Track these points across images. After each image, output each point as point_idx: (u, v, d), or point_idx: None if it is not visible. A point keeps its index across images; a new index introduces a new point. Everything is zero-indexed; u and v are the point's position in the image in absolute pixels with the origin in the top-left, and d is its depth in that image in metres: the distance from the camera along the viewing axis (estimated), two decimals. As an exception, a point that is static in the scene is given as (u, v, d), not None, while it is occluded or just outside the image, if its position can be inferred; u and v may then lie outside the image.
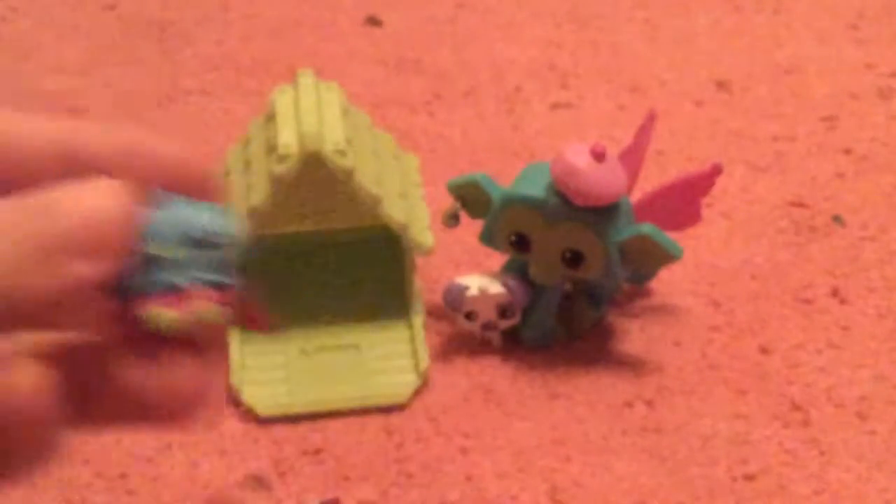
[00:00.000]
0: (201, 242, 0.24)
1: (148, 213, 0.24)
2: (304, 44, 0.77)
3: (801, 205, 0.62)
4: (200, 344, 0.24)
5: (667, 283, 0.57)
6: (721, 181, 0.54)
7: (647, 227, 0.50)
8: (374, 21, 0.79)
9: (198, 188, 0.25)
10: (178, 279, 0.23)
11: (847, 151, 0.66)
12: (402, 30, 0.78)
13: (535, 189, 0.51)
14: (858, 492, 0.48)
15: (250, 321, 0.25)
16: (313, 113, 0.52)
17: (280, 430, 0.51)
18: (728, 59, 0.74)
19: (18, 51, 0.77)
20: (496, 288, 0.53)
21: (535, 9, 0.80)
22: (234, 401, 0.52)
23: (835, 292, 0.57)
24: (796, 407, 0.51)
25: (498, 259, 0.56)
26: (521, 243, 0.52)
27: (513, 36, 0.77)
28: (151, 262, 0.23)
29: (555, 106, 0.70)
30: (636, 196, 0.54)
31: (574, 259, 0.52)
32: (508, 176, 0.53)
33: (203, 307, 0.23)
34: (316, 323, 0.56)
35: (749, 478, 0.48)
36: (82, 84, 0.73)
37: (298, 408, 0.52)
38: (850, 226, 0.61)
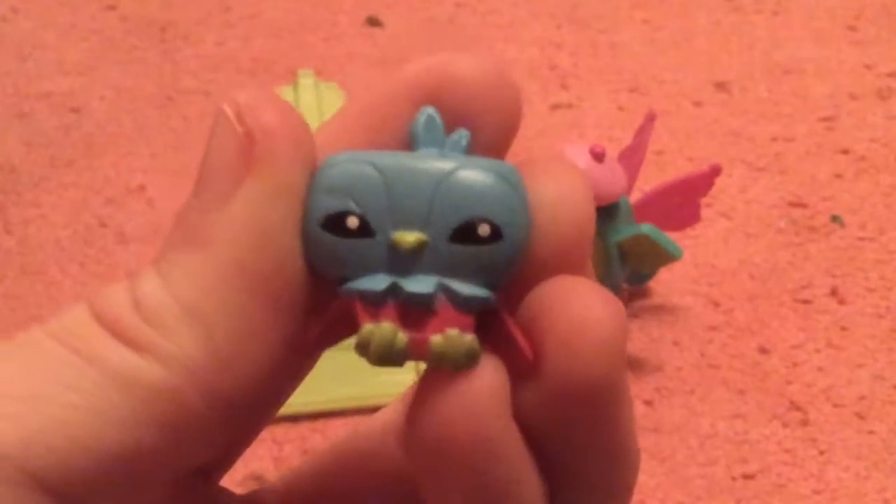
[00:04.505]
0: (468, 229, 0.16)
1: (379, 160, 0.16)
2: (305, 44, 0.77)
3: (799, 205, 0.63)
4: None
5: (666, 283, 0.58)
6: (720, 181, 0.54)
7: (646, 227, 0.50)
8: (374, 21, 0.79)
9: (490, 126, 0.17)
10: (420, 286, 0.16)
11: (846, 152, 0.66)
12: (402, 30, 0.78)
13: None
14: (857, 491, 0.48)
15: (512, 356, 0.16)
16: (313, 113, 0.52)
17: (280, 430, 0.51)
18: (727, 60, 0.74)
19: (19, 51, 0.77)
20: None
21: (535, 9, 0.80)
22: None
23: (833, 292, 0.57)
24: (795, 406, 0.52)
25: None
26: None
27: (513, 36, 0.77)
28: (381, 249, 0.16)
29: (555, 106, 0.71)
30: (636, 196, 0.54)
31: (573, 259, 0.52)
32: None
33: (451, 337, 0.16)
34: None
35: (748, 477, 0.49)
36: (82, 84, 0.74)
37: (298, 408, 0.52)
38: (849, 226, 0.61)
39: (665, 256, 0.51)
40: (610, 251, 0.51)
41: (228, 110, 0.17)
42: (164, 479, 0.17)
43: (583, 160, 0.49)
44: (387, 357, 0.16)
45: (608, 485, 0.18)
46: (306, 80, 0.54)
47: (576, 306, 0.16)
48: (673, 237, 0.51)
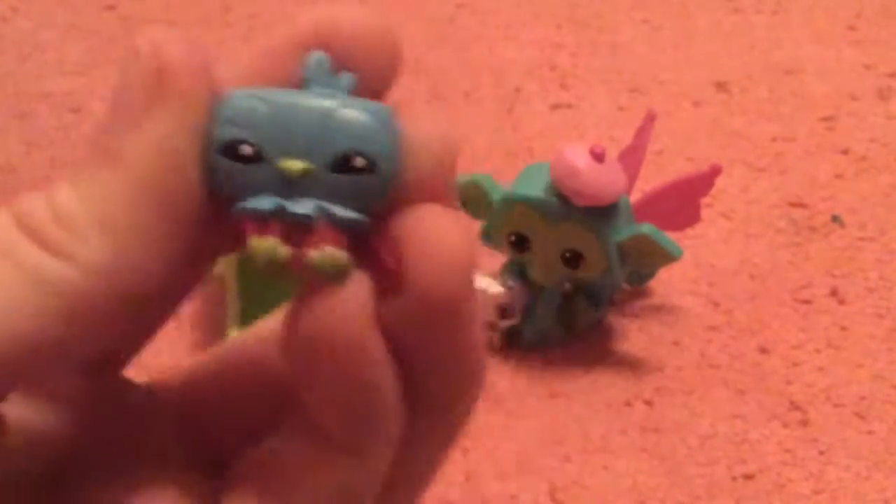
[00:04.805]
0: (346, 160, 0.18)
1: (272, 97, 0.18)
2: (305, 44, 0.77)
3: (800, 205, 0.63)
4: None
5: (666, 283, 0.58)
6: (720, 181, 0.54)
7: (646, 227, 0.50)
8: (374, 21, 0.79)
9: (372, 70, 0.19)
10: (302, 208, 0.18)
11: (846, 152, 0.66)
12: (402, 30, 0.78)
13: (535, 189, 0.51)
14: (857, 491, 0.48)
15: (381, 272, 0.19)
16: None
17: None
18: (727, 60, 0.75)
19: (19, 51, 0.77)
20: (496, 288, 0.53)
21: (534, 9, 0.80)
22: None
23: (834, 292, 0.57)
24: (795, 406, 0.52)
25: (498, 259, 0.56)
26: (520, 243, 0.53)
27: (513, 36, 0.77)
28: (270, 174, 0.18)
29: (555, 106, 0.71)
30: (636, 196, 0.54)
31: (574, 259, 0.52)
32: (508, 176, 0.54)
33: (326, 252, 0.18)
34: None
35: (748, 477, 0.49)
36: (82, 84, 0.74)
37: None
38: (849, 226, 0.61)
39: (665, 256, 0.51)
40: (610, 251, 0.51)
41: (142, 45, 0.19)
42: (71, 367, 0.20)
43: (583, 160, 0.49)
44: (270, 267, 0.18)
45: (453, 390, 0.21)
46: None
47: (433, 229, 0.18)
48: (673, 237, 0.51)
